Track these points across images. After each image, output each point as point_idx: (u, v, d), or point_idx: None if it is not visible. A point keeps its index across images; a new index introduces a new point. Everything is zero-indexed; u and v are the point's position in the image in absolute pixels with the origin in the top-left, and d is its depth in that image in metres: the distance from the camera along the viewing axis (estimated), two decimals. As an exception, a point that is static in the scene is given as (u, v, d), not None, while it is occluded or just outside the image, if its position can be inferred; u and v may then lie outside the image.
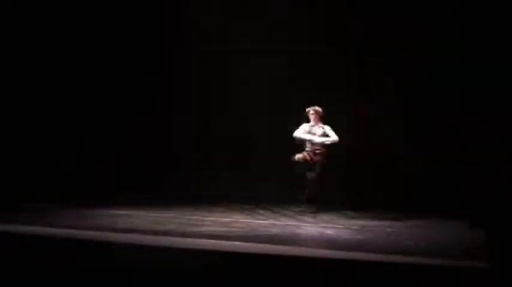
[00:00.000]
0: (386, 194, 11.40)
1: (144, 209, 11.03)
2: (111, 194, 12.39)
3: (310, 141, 10.69)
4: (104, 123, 13.52)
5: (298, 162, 10.60)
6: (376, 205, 11.25)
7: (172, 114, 13.52)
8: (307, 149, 10.72)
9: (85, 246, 7.87)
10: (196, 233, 8.81)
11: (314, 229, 9.51)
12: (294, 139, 10.81)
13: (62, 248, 7.74)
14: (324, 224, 9.81)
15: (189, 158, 13.23)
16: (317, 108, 10.75)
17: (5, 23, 12.91)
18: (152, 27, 13.42)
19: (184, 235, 8.60)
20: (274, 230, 9.28)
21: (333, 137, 10.71)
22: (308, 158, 10.63)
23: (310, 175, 10.52)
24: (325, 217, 10.50)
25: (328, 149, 10.69)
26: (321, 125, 10.76)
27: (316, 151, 10.66)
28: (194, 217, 10.38)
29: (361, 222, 10.06)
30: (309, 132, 10.76)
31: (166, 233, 8.73)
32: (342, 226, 9.66)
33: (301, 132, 10.77)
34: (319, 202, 10.61)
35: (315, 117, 10.74)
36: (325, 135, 10.71)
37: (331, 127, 10.76)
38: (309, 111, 10.76)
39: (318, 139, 10.68)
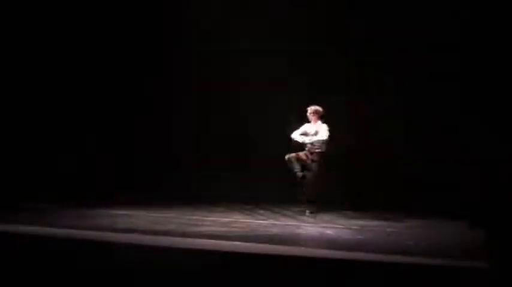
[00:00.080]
0: (386, 194, 11.40)
1: (144, 209, 11.03)
2: (111, 194, 12.40)
3: (301, 142, 10.69)
4: (104, 123, 13.53)
5: (289, 161, 10.60)
6: (376, 205, 11.24)
7: (172, 114, 13.53)
8: (306, 148, 10.73)
9: (85, 246, 7.86)
10: (196, 233, 8.81)
11: (314, 229, 9.51)
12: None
13: (62, 248, 7.74)
14: (324, 224, 9.81)
15: (189, 158, 13.24)
16: (314, 107, 10.73)
17: (5, 23, 12.91)
18: (152, 27, 13.43)
19: (184, 235, 8.60)
20: (274, 230, 9.28)
21: (320, 136, 10.62)
22: (304, 157, 10.63)
23: (299, 175, 10.54)
24: (325, 217, 10.49)
25: (323, 148, 10.64)
26: (320, 124, 10.72)
27: (312, 151, 10.65)
28: (194, 217, 10.37)
29: (361, 222, 10.06)
30: (306, 132, 10.77)
31: (166, 233, 8.73)
32: (342, 226, 9.66)
33: (298, 133, 10.77)
34: (319, 201, 10.61)
35: (313, 117, 10.72)
36: (317, 134, 10.67)
37: (330, 127, 10.72)
38: (307, 111, 10.77)
39: (304, 139, 10.68)
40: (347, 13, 12.27)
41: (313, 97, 11.15)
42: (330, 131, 10.65)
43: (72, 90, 13.44)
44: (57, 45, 13.30)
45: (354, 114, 11.98)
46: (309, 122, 10.79)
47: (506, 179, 8.50)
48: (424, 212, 10.68)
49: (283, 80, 12.36)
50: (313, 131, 10.71)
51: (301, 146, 10.77)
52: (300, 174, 10.56)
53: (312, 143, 10.63)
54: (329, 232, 9.20)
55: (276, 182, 12.04)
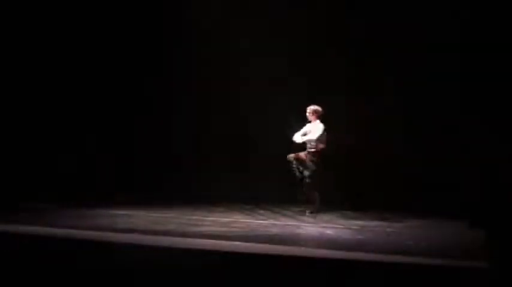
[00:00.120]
0: (386, 194, 11.40)
1: (144, 209, 11.03)
2: (111, 194, 12.40)
3: (297, 142, 10.73)
4: (104, 123, 13.52)
5: (289, 161, 10.63)
6: (376, 205, 11.24)
7: (172, 114, 13.53)
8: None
9: (85, 246, 7.87)
10: (196, 233, 8.81)
11: (314, 229, 9.51)
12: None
13: (62, 248, 7.74)
14: (324, 224, 9.81)
15: (189, 158, 13.24)
16: (313, 107, 10.73)
17: (5, 23, 12.91)
18: (152, 27, 13.42)
19: (184, 235, 8.60)
20: (274, 230, 9.28)
21: (310, 135, 10.64)
22: (304, 157, 10.65)
23: (298, 175, 10.57)
24: (325, 217, 10.50)
25: (317, 147, 10.62)
26: (316, 123, 10.72)
27: (308, 150, 10.67)
28: (194, 217, 10.38)
29: (361, 222, 10.06)
30: (305, 132, 10.78)
31: (166, 233, 8.73)
32: (342, 226, 9.66)
33: (299, 133, 10.78)
34: (319, 201, 10.60)
35: (312, 117, 10.72)
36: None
37: (328, 126, 10.72)
38: (306, 110, 10.78)
39: (300, 139, 10.70)
40: (347, 13, 12.27)
41: (313, 97, 11.14)
42: (325, 130, 10.64)
43: (72, 90, 13.44)
44: (57, 45, 13.30)
45: (354, 114, 11.98)
46: (310, 122, 10.80)
47: (506, 179, 8.50)
48: (424, 212, 10.68)
49: (283, 80, 12.36)
50: (310, 131, 10.73)
51: (303, 146, 10.78)
52: (299, 174, 10.57)
53: (306, 142, 10.65)
54: (329, 232, 9.20)
55: (276, 182, 12.04)
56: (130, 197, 12.27)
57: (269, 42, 12.46)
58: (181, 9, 13.19)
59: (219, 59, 12.95)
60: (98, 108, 13.52)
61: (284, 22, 12.52)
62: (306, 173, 10.58)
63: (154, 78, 13.47)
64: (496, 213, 7.46)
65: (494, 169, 9.01)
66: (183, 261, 7.12)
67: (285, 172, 11.18)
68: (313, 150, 10.62)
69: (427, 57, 11.55)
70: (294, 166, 10.60)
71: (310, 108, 10.73)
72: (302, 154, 10.66)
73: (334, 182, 11.45)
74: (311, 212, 10.54)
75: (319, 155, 10.62)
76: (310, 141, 10.62)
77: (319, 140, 10.62)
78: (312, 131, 10.65)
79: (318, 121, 10.69)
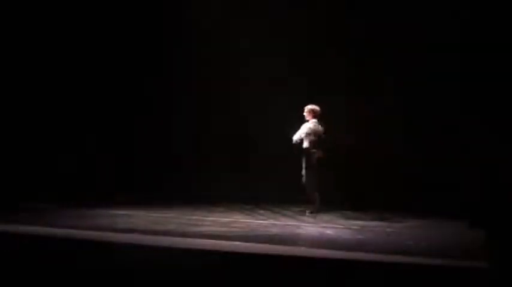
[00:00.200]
0: (386, 194, 11.40)
1: (144, 209, 11.03)
2: (111, 194, 12.39)
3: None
4: (104, 123, 13.52)
5: None
6: (376, 205, 11.24)
7: (172, 114, 13.53)
8: None
9: (85, 246, 7.87)
10: (196, 233, 8.81)
11: (314, 229, 9.51)
12: None
13: (62, 248, 7.74)
14: (324, 224, 9.81)
15: (189, 158, 13.24)
16: (309, 106, 10.72)
17: (5, 23, 12.91)
18: (152, 27, 13.42)
19: (184, 235, 8.60)
20: (274, 230, 9.28)
21: (296, 133, 10.67)
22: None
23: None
24: (325, 217, 10.50)
25: (305, 145, 10.62)
26: (308, 123, 10.74)
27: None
28: (194, 217, 10.38)
29: (361, 222, 10.06)
30: None
31: (166, 233, 8.73)
32: (342, 226, 9.66)
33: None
34: (319, 202, 10.60)
35: (308, 116, 10.71)
36: None
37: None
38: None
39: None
40: (347, 13, 12.28)
41: (313, 97, 11.14)
42: (307, 129, 10.58)
43: (72, 91, 13.43)
44: (57, 46, 13.29)
45: (354, 114, 11.98)
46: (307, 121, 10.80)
47: (506, 179, 8.50)
48: (424, 212, 10.69)
49: (283, 80, 12.36)
50: None
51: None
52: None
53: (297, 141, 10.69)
54: (329, 232, 9.20)
55: (276, 182, 12.04)
56: (131, 197, 12.27)
57: (269, 42, 12.46)
58: (181, 9, 13.19)
59: (219, 59, 12.95)
60: (98, 108, 13.52)
61: (284, 22, 12.52)
62: (302, 172, 10.59)
63: (154, 78, 13.46)
64: (496, 213, 7.46)
65: (494, 169, 9.01)
66: (183, 261, 7.11)
67: (285, 172, 11.21)
68: (303, 148, 10.63)
69: (427, 57, 11.56)
70: None
71: (307, 107, 10.73)
72: None
73: (334, 182, 11.45)
74: (311, 212, 10.54)
75: (306, 153, 10.58)
76: (295, 140, 10.63)
77: (306, 139, 10.58)
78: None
79: (313, 120, 10.67)
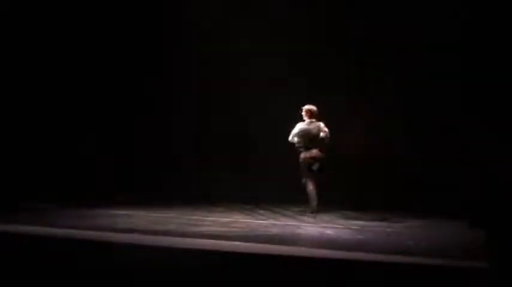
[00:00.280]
0: (386, 194, 11.40)
1: (144, 209, 11.03)
2: (111, 194, 12.39)
3: None
4: (104, 123, 13.52)
5: None
6: (376, 205, 11.24)
7: (172, 114, 13.53)
8: None
9: (85, 246, 7.87)
10: (196, 233, 8.80)
11: (314, 229, 9.51)
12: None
13: (62, 248, 7.74)
14: (324, 224, 9.81)
15: (189, 158, 13.24)
16: (306, 107, 10.71)
17: (5, 23, 12.91)
18: (152, 27, 13.42)
19: (184, 235, 8.60)
20: (274, 230, 9.28)
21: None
22: None
23: None
24: (325, 217, 10.49)
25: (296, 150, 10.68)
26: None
27: None
28: (194, 217, 10.37)
29: (361, 222, 10.06)
30: None
31: (166, 233, 8.73)
32: (342, 226, 9.66)
33: None
34: (314, 201, 10.58)
35: (305, 117, 10.71)
36: None
37: (329, 126, 10.71)
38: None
39: None
40: (347, 13, 12.28)
41: (313, 97, 11.14)
42: (297, 129, 10.57)
43: (72, 90, 13.43)
44: (57, 45, 13.29)
45: (354, 114, 11.98)
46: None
47: (506, 179, 8.50)
48: (424, 212, 10.68)
49: (283, 80, 12.36)
50: None
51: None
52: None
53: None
54: (329, 232, 9.20)
55: (276, 182, 12.04)
56: (131, 197, 12.26)
57: (269, 42, 12.47)
58: (181, 9, 13.20)
59: (219, 59, 12.95)
60: (98, 108, 13.52)
61: (284, 22, 12.52)
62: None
63: (154, 78, 13.47)
64: (496, 213, 7.46)
65: (494, 169, 9.01)
66: (183, 261, 7.11)
67: (285, 172, 11.21)
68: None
69: (427, 57, 11.56)
70: None
71: (304, 108, 10.72)
72: None
73: (334, 182, 11.43)
74: (311, 212, 10.54)
75: (300, 153, 10.61)
76: (290, 141, 10.69)
77: (296, 138, 10.59)
78: None
79: (308, 120, 10.66)
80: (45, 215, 10.28)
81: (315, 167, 10.53)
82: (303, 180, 10.55)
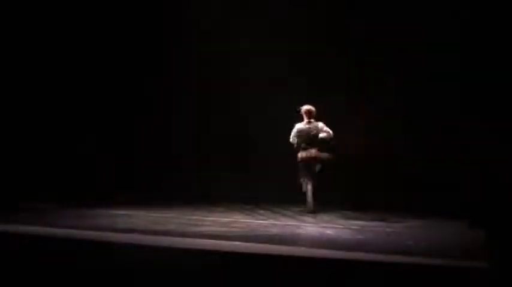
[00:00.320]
0: (386, 194, 11.39)
1: (144, 209, 11.03)
2: (111, 194, 12.39)
3: None
4: (104, 123, 13.52)
5: None
6: (376, 205, 11.24)
7: (172, 114, 13.53)
8: None
9: (85, 246, 7.86)
10: (196, 233, 8.80)
11: (314, 229, 9.51)
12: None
13: (62, 248, 7.74)
14: (324, 224, 9.80)
15: (189, 158, 13.24)
16: (304, 107, 10.72)
17: (5, 23, 12.91)
18: (152, 27, 13.42)
19: (184, 235, 8.60)
20: (274, 230, 9.27)
21: None
22: None
23: None
24: (325, 217, 10.49)
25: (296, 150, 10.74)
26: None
27: None
28: (194, 217, 10.37)
29: (361, 222, 10.06)
30: None
31: (166, 233, 8.72)
32: (342, 226, 9.66)
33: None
34: (308, 201, 10.59)
35: (304, 116, 10.73)
36: None
37: (329, 126, 10.73)
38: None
39: None
40: (347, 13, 12.28)
41: (313, 97, 11.14)
42: (295, 129, 10.66)
43: (72, 90, 13.44)
44: (57, 45, 13.30)
45: (354, 114, 11.98)
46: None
47: (506, 179, 8.50)
48: (424, 212, 10.68)
49: (283, 80, 12.36)
50: None
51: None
52: None
53: None
54: (329, 232, 9.19)
55: (276, 182, 12.04)
56: (131, 197, 12.26)
57: (269, 42, 12.47)
58: (181, 9, 13.19)
59: (219, 59, 12.95)
60: (98, 108, 13.52)
61: (284, 22, 12.52)
62: None
63: (154, 78, 13.47)
64: (496, 213, 7.45)
65: (494, 169, 9.01)
66: (183, 261, 7.11)
67: (285, 172, 11.21)
68: None
69: (427, 57, 11.56)
70: None
71: (303, 108, 10.72)
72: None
73: (334, 182, 11.43)
74: (308, 212, 10.53)
75: (297, 153, 10.63)
76: (291, 141, 10.75)
77: (294, 138, 10.68)
78: None
79: (306, 120, 10.67)
80: (45, 215, 10.28)
81: (317, 168, 10.55)
82: (300, 180, 10.57)
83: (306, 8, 12.47)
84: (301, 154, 10.60)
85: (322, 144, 10.62)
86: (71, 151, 13.24)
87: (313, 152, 10.54)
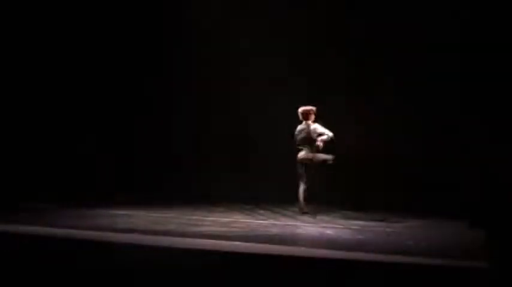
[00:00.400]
0: (386, 194, 11.39)
1: (144, 209, 11.03)
2: (111, 194, 12.40)
3: None
4: (104, 123, 13.52)
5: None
6: (376, 205, 11.24)
7: (172, 114, 13.53)
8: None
9: (85, 246, 7.87)
10: (196, 233, 8.81)
11: (314, 229, 9.51)
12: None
13: (62, 248, 7.74)
14: (324, 224, 9.81)
15: (189, 158, 13.24)
16: (300, 109, 10.70)
17: (5, 23, 12.92)
18: (152, 27, 13.42)
19: (184, 235, 8.60)
20: (274, 230, 9.28)
21: None
22: None
23: None
24: (325, 217, 10.49)
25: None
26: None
27: None
28: (194, 217, 10.38)
29: (361, 222, 10.06)
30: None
31: (166, 233, 8.73)
32: (342, 226, 9.66)
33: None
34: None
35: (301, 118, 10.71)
36: None
37: (329, 127, 10.70)
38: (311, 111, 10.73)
39: None
40: (347, 13, 12.28)
41: (313, 97, 11.14)
42: (297, 129, 10.57)
43: (72, 90, 13.44)
44: (57, 45, 13.30)
45: (354, 114, 11.98)
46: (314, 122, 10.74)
47: (506, 179, 8.50)
48: (424, 212, 10.68)
49: (283, 80, 12.36)
50: None
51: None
52: None
53: None
54: (329, 232, 9.20)
55: (276, 182, 12.04)
56: (131, 197, 12.27)
57: (269, 42, 12.47)
58: (181, 9, 13.19)
59: (219, 59, 12.95)
60: (98, 108, 13.52)
61: (284, 22, 12.52)
62: None
63: (154, 78, 13.47)
64: (496, 213, 7.45)
65: (494, 169, 9.01)
66: (183, 261, 7.11)
67: (285, 172, 11.20)
68: None
69: (427, 57, 11.56)
70: None
71: (299, 110, 10.67)
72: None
73: (334, 182, 11.43)
74: (305, 212, 10.51)
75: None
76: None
77: (296, 140, 10.66)
78: None
79: (304, 122, 10.63)
80: (45, 215, 10.29)
81: (325, 157, 10.46)
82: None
83: (306, 8, 12.47)
84: (298, 154, 10.60)
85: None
86: (71, 151, 13.24)
87: (307, 153, 10.50)
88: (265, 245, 7.95)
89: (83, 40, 13.40)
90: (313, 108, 10.58)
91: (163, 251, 7.50)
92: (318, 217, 10.36)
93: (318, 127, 10.52)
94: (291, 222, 10.11)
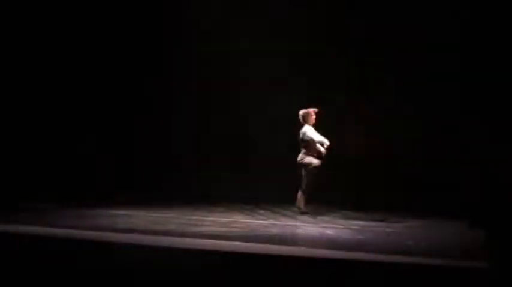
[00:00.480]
0: (386, 194, 11.39)
1: (144, 209, 11.03)
2: (111, 194, 12.39)
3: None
4: (104, 123, 13.52)
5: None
6: (376, 205, 11.24)
7: (172, 114, 13.53)
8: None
9: (85, 246, 7.87)
10: (196, 233, 8.81)
11: (314, 229, 9.51)
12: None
13: (62, 248, 7.74)
14: (324, 224, 9.81)
15: (189, 158, 13.24)
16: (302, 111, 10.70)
17: (5, 23, 12.92)
18: (152, 27, 13.42)
19: (184, 235, 8.60)
20: (274, 230, 9.28)
21: None
22: None
23: None
24: (325, 217, 10.49)
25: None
26: None
27: None
28: (194, 217, 10.38)
29: (361, 222, 10.06)
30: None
31: (166, 233, 8.73)
32: (342, 226, 9.66)
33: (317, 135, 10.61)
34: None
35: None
36: None
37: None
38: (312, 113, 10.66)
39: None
40: (347, 13, 12.28)
41: (313, 97, 11.14)
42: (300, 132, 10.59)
43: (73, 90, 13.44)
44: (57, 45, 13.30)
45: (354, 114, 11.98)
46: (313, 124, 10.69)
47: (506, 179, 8.50)
48: (424, 212, 10.68)
49: (283, 80, 12.36)
50: None
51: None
52: None
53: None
54: (329, 232, 9.20)
55: (276, 182, 12.04)
56: (131, 197, 12.27)
57: (269, 42, 12.47)
58: (181, 9, 13.19)
59: (219, 59, 12.95)
60: (98, 108, 13.52)
61: (284, 22, 12.52)
62: None
63: (154, 78, 13.47)
64: (496, 213, 7.45)
65: (494, 169, 9.01)
66: (183, 261, 7.11)
67: (285, 172, 11.21)
68: None
69: (427, 57, 11.56)
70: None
71: (304, 112, 10.65)
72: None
73: (334, 182, 11.44)
74: (304, 212, 10.51)
75: None
76: None
77: None
78: None
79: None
80: (45, 215, 10.29)
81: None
82: None
83: (306, 8, 12.47)
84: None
85: (309, 149, 10.48)
86: (71, 151, 13.24)
87: (299, 155, 10.49)
88: (265, 245, 7.95)
89: (83, 40, 13.40)
90: (311, 110, 10.51)
91: (163, 251, 7.50)
92: (318, 217, 10.37)
93: (307, 131, 10.43)
94: (291, 222, 10.11)
